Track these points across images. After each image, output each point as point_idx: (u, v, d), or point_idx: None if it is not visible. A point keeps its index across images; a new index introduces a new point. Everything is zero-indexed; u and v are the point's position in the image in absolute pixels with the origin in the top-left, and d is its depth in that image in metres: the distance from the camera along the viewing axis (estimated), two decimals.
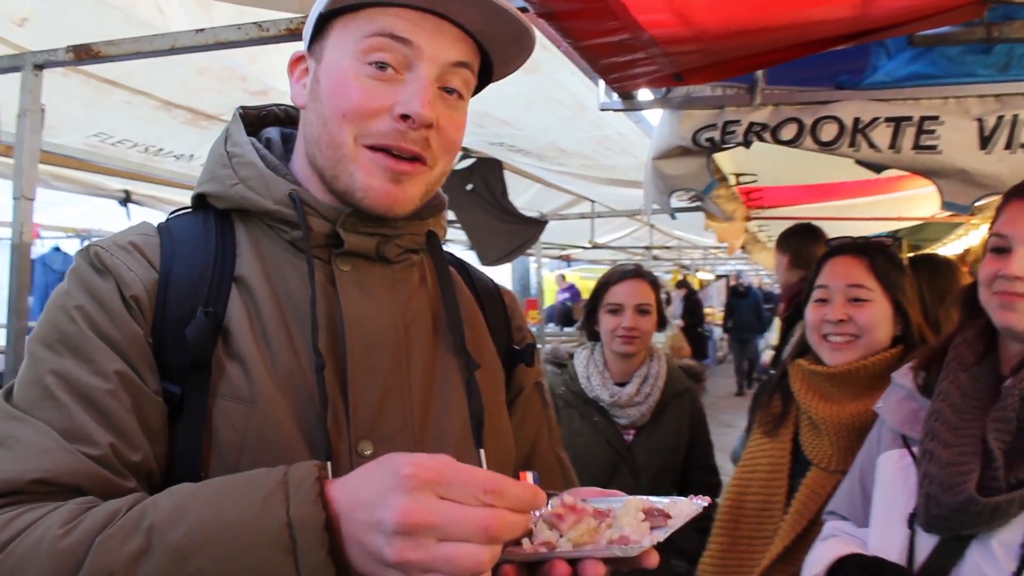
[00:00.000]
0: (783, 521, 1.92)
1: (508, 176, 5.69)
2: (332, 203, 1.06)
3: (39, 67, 2.03)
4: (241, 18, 2.03)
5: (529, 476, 0.79)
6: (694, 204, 5.54)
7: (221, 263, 1.03)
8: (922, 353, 1.63)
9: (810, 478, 1.92)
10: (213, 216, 1.08)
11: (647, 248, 10.96)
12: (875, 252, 1.99)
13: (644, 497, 0.86)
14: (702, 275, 18.33)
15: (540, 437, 1.30)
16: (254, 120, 1.20)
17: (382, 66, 1.00)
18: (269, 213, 1.04)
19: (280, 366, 0.98)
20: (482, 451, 1.08)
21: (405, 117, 0.99)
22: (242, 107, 1.17)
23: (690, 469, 2.74)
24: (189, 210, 1.12)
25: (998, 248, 1.44)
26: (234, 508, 0.78)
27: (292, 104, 1.16)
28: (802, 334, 2.09)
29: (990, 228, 1.49)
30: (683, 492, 1.01)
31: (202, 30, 1.88)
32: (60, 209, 6.48)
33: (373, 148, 1.00)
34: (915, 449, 1.46)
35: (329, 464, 0.95)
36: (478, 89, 1.17)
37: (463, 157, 5.45)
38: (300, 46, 1.11)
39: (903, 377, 1.60)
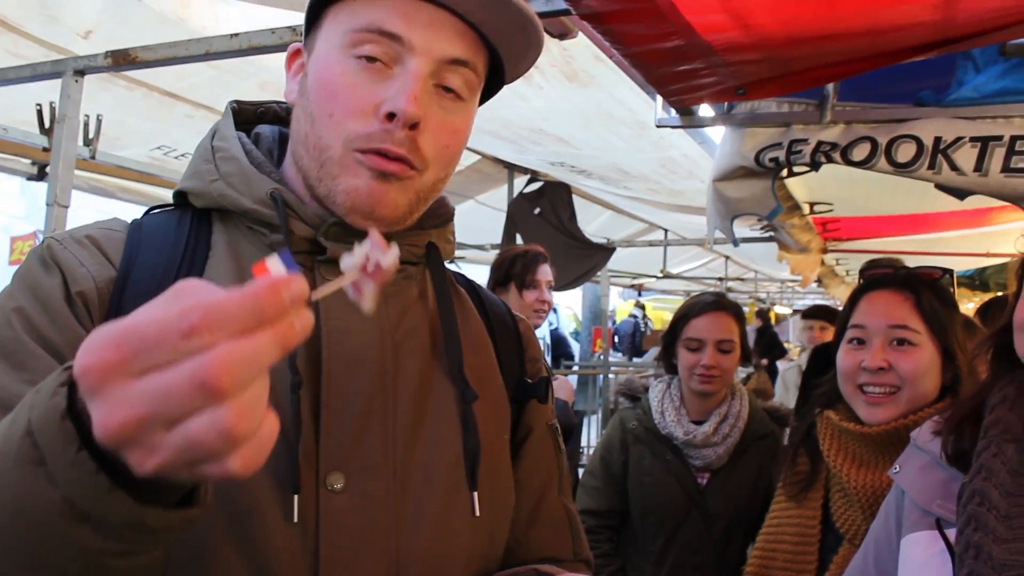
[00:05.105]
0: None
1: (578, 202, 5.61)
2: (317, 209, 0.96)
3: (80, 73, 2.02)
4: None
5: (271, 261, 0.57)
6: (767, 234, 5.33)
7: (189, 265, 0.93)
8: (950, 413, 1.32)
9: (842, 555, 1.65)
10: (191, 215, 0.99)
11: (720, 279, 10.66)
12: (922, 287, 1.71)
13: None
14: (779, 309, 17.77)
15: (550, 487, 1.15)
16: (251, 117, 1.11)
17: (371, 59, 0.90)
18: (247, 213, 0.94)
19: None
20: (475, 494, 0.95)
21: (391, 116, 0.88)
22: (236, 101, 1.08)
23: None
24: (171, 207, 1.03)
25: None
26: None
27: None
28: (832, 377, 1.80)
29: None
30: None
31: (236, 35, 1.83)
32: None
33: (362, 151, 0.90)
34: (950, 533, 1.17)
35: (296, 498, 0.84)
36: (491, 93, 1.06)
37: (531, 180, 5.39)
38: None
39: (926, 441, 1.31)
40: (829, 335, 5.30)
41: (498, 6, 0.91)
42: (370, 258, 0.66)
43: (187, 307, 0.51)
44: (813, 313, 5.57)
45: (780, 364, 10.11)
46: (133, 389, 0.50)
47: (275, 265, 0.57)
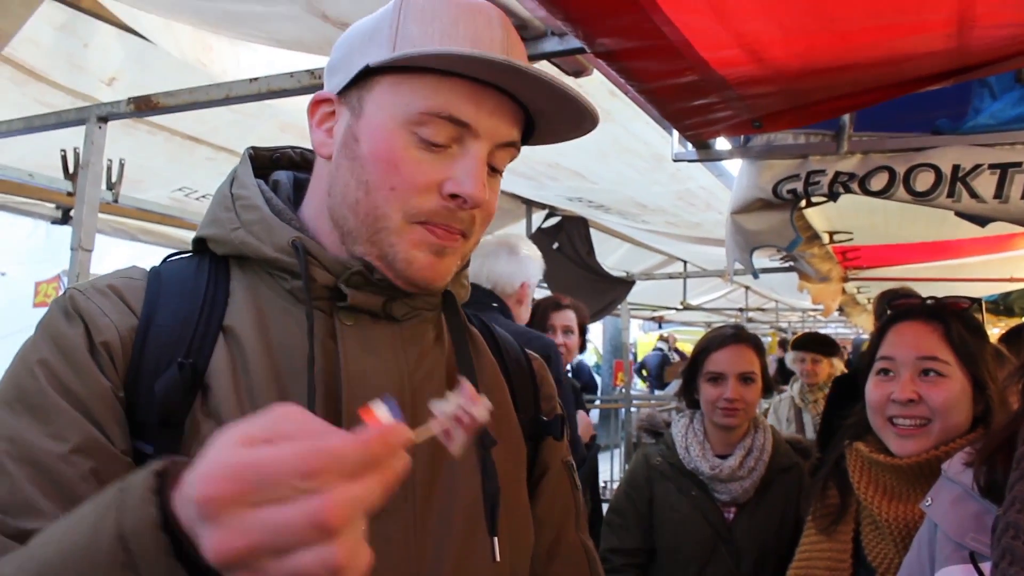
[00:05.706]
0: None
1: (597, 236, 5.61)
2: (339, 255, 0.97)
3: (103, 119, 2.05)
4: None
5: (377, 408, 0.63)
6: (787, 264, 5.30)
7: (209, 311, 0.93)
8: (982, 444, 1.29)
9: None
10: (208, 261, 1.00)
11: (741, 310, 10.60)
12: (950, 317, 1.68)
13: None
14: None
15: (567, 524, 1.15)
16: (266, 162, 1.12)
17: (435, 144, 0.92)
18: (269, 261, 0.95)
19: None
20: (495, 539, 0.95)
21: (455, 196, 0.91)
22: (253, 148, 1.09)
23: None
24: (188, 254, 1.04)
25: None
26: (70, 537, 0.65)
27: (310, 148, 1.07)
28: (861, 409, 1.77)
29: None
30: None
31: (255, 79, 1.86)
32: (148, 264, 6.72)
33: (423, 223, 0.93)
34: (984, 567, 1.14)
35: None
36: None
37: (549, 215, 5.41)
38: None
39: (958, 472, 1.29)
40: (822, 367, 5.10)
41: (565, 105, 0.94)
42: (464, 409, 0.70)
43: (307, 451, 0.56)
44: (804, 345, 5.30)
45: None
46: (250, 519, 0.55)
47: (381, 412, 0.62)
